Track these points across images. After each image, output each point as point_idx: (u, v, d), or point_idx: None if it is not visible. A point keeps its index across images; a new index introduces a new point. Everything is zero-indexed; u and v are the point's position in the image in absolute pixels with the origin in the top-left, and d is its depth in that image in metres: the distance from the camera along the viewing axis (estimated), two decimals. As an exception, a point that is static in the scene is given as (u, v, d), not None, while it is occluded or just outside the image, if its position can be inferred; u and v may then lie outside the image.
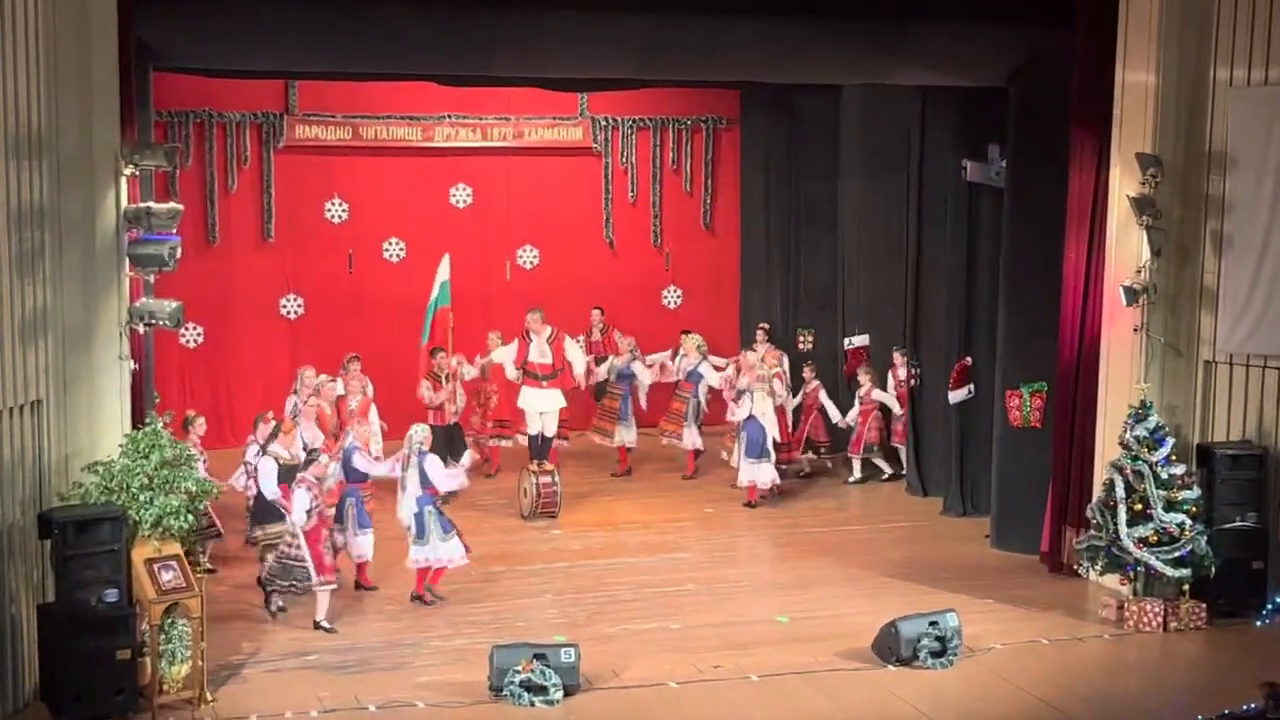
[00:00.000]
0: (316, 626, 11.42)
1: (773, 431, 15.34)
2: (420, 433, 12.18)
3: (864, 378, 16.59)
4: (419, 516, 11.91)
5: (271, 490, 12.12)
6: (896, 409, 16.49)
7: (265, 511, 12.40)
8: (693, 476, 16.61)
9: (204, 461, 12.18)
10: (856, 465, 16.64)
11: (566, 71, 14.06)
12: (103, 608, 9.61)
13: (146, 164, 10.64)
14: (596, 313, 17.64)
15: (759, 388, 15.32)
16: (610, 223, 19.02)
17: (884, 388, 16.64)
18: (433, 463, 12.09)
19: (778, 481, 15.47)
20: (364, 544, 12.15)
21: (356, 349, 16.25)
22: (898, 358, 16.52)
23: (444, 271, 15.51)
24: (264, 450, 12.44)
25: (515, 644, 10.45)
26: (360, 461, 12.24)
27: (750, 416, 15.27)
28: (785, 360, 16.68)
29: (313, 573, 11.29)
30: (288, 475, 11.94)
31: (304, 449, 12.52)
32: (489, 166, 18.58)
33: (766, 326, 17.64)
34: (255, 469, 12.53)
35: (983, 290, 14.82)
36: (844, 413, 16.66)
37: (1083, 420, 12.85)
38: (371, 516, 12.32)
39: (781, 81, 15.97)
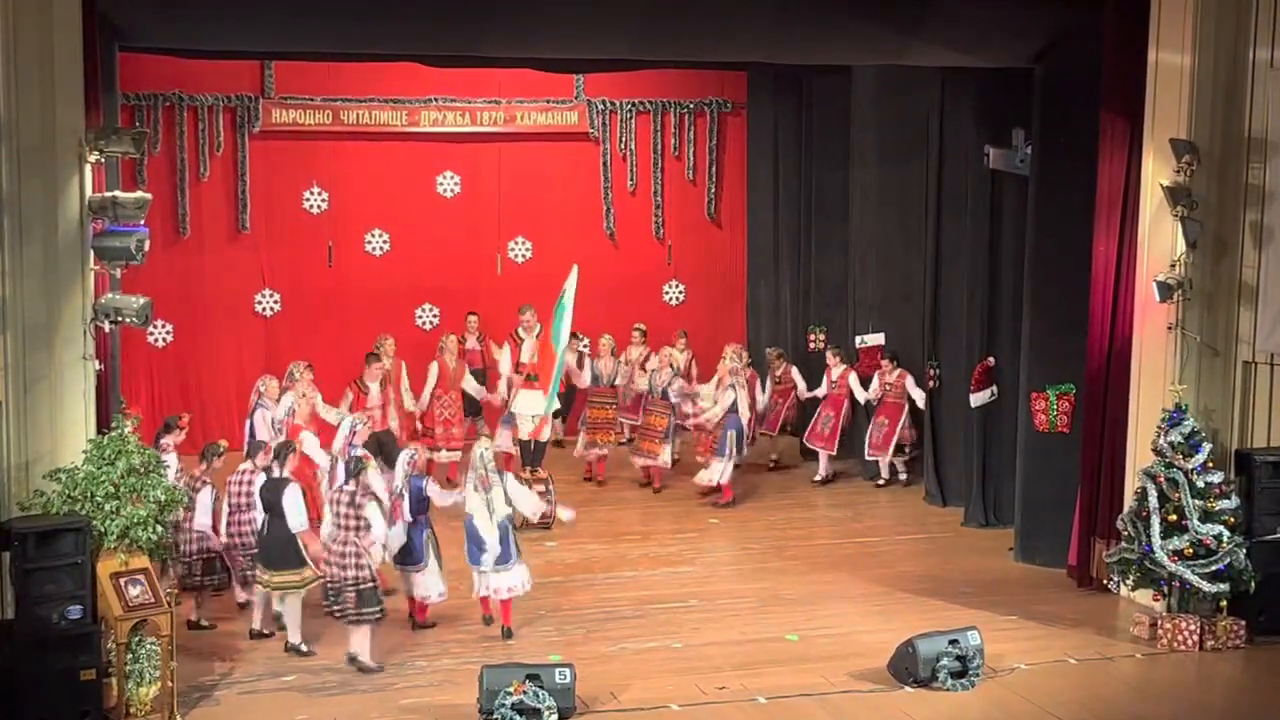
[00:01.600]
0: (290, 649, 11.29)
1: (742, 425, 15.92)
2: (490, 450, 11.96)
3: (777, 360, 17.26)
4: (504, 540, 11.68)
5: (301, 523, 11.32)
6: (803, 389, 17.16)
7: (284, 552, 11.36)
8: (605, 483, 16.85)
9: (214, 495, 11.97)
10: (823, 462, 17.08)
11: (561, 51, 14.07)
12: (65, 625, 9.60)
13: (112, 150, 10.61)
14: (473, 318, 17.43)
15: (734, 381, 15.74)
16: (610, 213, 19.01)
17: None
18: (515, 484, 11.94)
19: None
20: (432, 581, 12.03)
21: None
22: (831, 358, 17.05)
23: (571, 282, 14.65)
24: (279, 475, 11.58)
25: (506, 664, 10.44)
26: (435, 493, 11.97)
27: (732, 412, 15.70)
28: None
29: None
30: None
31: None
32: (478, 153, 18.61)
33: (643, 326, 17.76)
34: (255, 500, 11.78)
35: (1006, 285, 14.83)
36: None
37: (1113, 425, 12.85)
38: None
39: (791, 62, 15.97)
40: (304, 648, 11.34)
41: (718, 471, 15.77)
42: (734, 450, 15.76)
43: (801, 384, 17.27)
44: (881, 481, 16.79)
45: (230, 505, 11.91)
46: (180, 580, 11.71)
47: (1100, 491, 12.93)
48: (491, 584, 11.77)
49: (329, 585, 11.06)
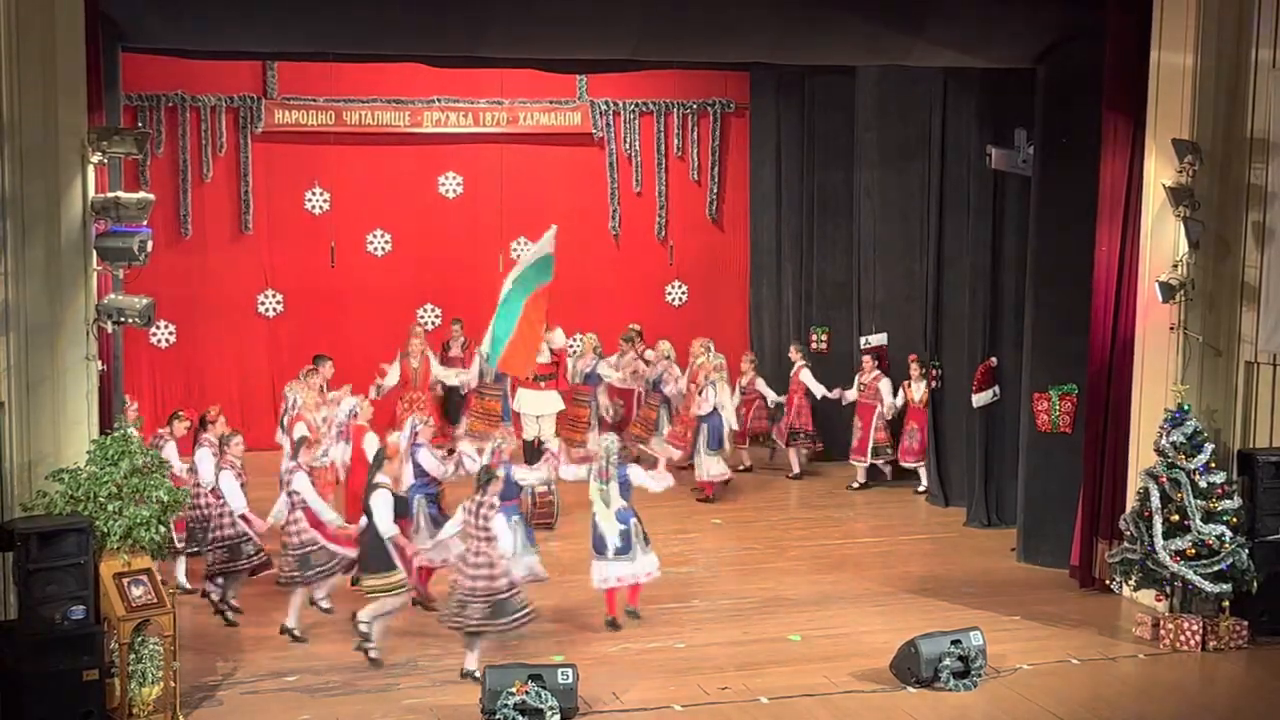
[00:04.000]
0: (284, 631, 11.30)
1: (731, 423, 16.03)
2: (616, 443, 12.31)
3: (746, 365, 17.20)
4: (625, 532, 11.86)
5: (390, 528, 11.12)
6: (771, 397, 17.09)
7: (378, 556, 11.18)
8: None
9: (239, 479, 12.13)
10: (860, 471, 16.85)
11: (563, 51, 14.08)
12: (68, 625, 9.61)
13: (115, 151, 10.62)
14: (456, 325, 17.38)
15: (717, 378, 15.85)
16: (616, 214, 19.02)
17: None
18: (637, 472, 12.23)
19: (728, 475, 16.12)
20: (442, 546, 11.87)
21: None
22: (867, 362, 16.81)
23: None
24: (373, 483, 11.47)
25: (509, 664, 10.45)
26: (427, 460, 12.24)
27: (713, 410, 15.77)
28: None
29: (333, 548, 11.34)
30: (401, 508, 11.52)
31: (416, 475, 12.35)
32: (481, 154, 18.61)
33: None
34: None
35: (1008, 286, 14.84)
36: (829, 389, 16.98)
37: (1115, 425, 12.85)
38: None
39: (794, 63, 15.98)
40: (369, 637, 11.22)
41: (710, 467, 15.81)
42: (705, 448, 15.76)
43: (771, 395, 17.06)
44: (921, 489, 16.50)
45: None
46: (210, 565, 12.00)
47: (1102, 492, 12.94)
48: (613, 573, 11.92)
49: (458, 595, 10.83)
